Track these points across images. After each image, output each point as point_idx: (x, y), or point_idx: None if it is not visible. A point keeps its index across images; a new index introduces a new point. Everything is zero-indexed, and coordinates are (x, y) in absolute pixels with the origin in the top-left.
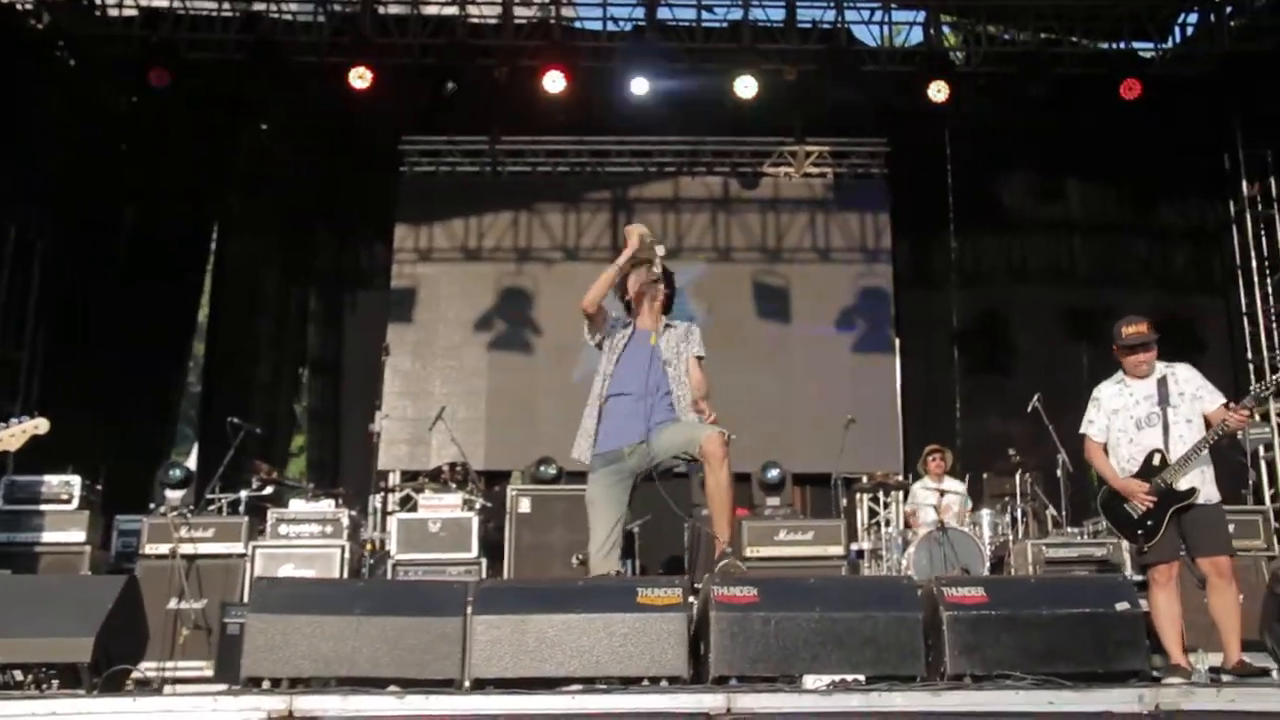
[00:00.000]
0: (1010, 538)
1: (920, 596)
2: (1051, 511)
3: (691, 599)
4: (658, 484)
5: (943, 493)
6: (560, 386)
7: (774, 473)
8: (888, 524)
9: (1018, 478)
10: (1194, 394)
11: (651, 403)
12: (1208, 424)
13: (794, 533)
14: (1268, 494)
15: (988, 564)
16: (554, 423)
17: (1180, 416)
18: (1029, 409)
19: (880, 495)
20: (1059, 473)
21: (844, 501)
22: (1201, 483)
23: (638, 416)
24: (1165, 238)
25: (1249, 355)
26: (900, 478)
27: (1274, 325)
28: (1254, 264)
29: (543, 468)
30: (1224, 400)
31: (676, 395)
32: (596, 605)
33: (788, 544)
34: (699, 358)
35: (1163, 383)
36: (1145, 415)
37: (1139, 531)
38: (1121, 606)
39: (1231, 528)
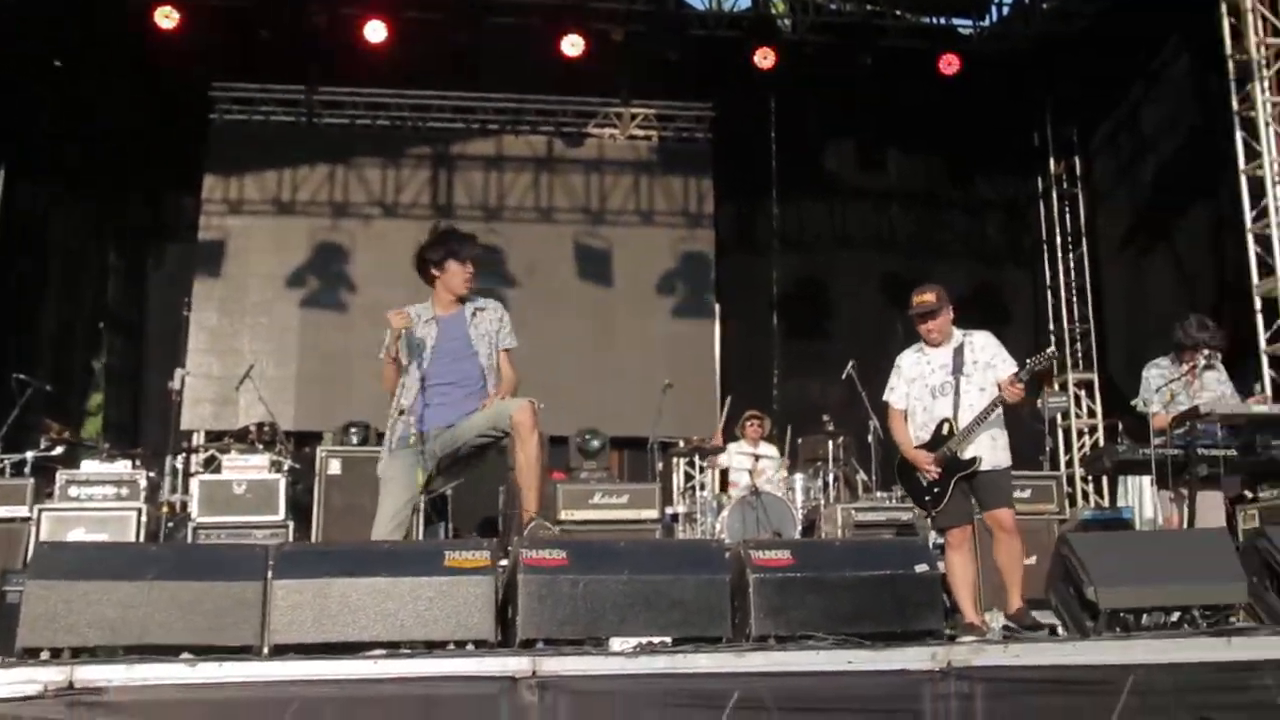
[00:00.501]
0: (822, 502)
1: (728, 559)
2: (862, 476)
3: (503, 563)
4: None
5: (758, 457)
6: (375, 346)
7: (592, 439)
8: (703, 488)
9: (831, 443)
10: (988, 362)
11: (465, 392)
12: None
13: (609, 496)
14: (1063, 460)
15: (799, 527)
16: (368, 384)
17: (973, 385)
18: (844, 376)
19: (696, 459)
20: (870, 439)
21: (660, 465)
22: (991, 449)
23: (448, 406)
24: (979, 210)
25: (1050, 326)
26: (717, 442)
27: (1074, 297)
28: (1058, 239)
29: (352, 432)
30: (1015, 369)
31: (489, 383)
32: (403, 569)
33: (602, 507)
34: (508, 350)
35: (959, 351)
36: (939, 384)
37: (926, 499)
38: (920, 568)
39: (1027, 492)
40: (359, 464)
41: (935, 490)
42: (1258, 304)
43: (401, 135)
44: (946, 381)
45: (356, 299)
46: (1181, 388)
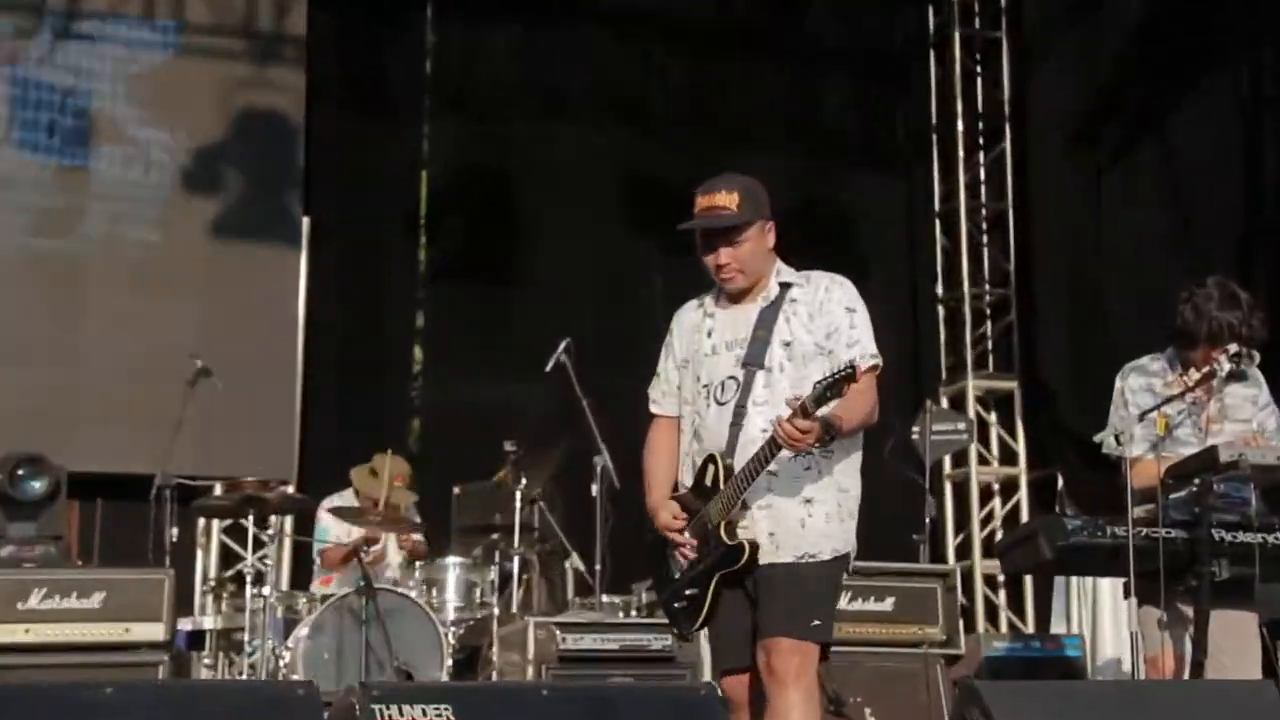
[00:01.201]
0: (495, 611)
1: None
2: (575, 564)
3: None
4: None
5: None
6: None
7: (30, 479)
8: (259, 581)
9: (517, 499)
10: (819, 343)
11: None
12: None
13: (63, 597)
14: (951, 544)
15: (448, 660)
16: None
17: (777, 390)
18: (549, 365)
19: (250, 524)
20: (595, 490)
21: (174, 532)
22: (784, 524)
23: None
24: (820, 64)
25: (939, 289)
26: (293, 490)
27: (982, 236)
28: (958, 127)
29: None
30: (858, 360)
31: None
32: None
33: (48, 618)
34: None
35: (771, 313)
36: (721, 379)
37: (676, 604)
38: None
39: (887, 602)
40: None
41: (689, 592)
42: None
43: None
44: (732, 377)
45: None
46: (1185, 413)
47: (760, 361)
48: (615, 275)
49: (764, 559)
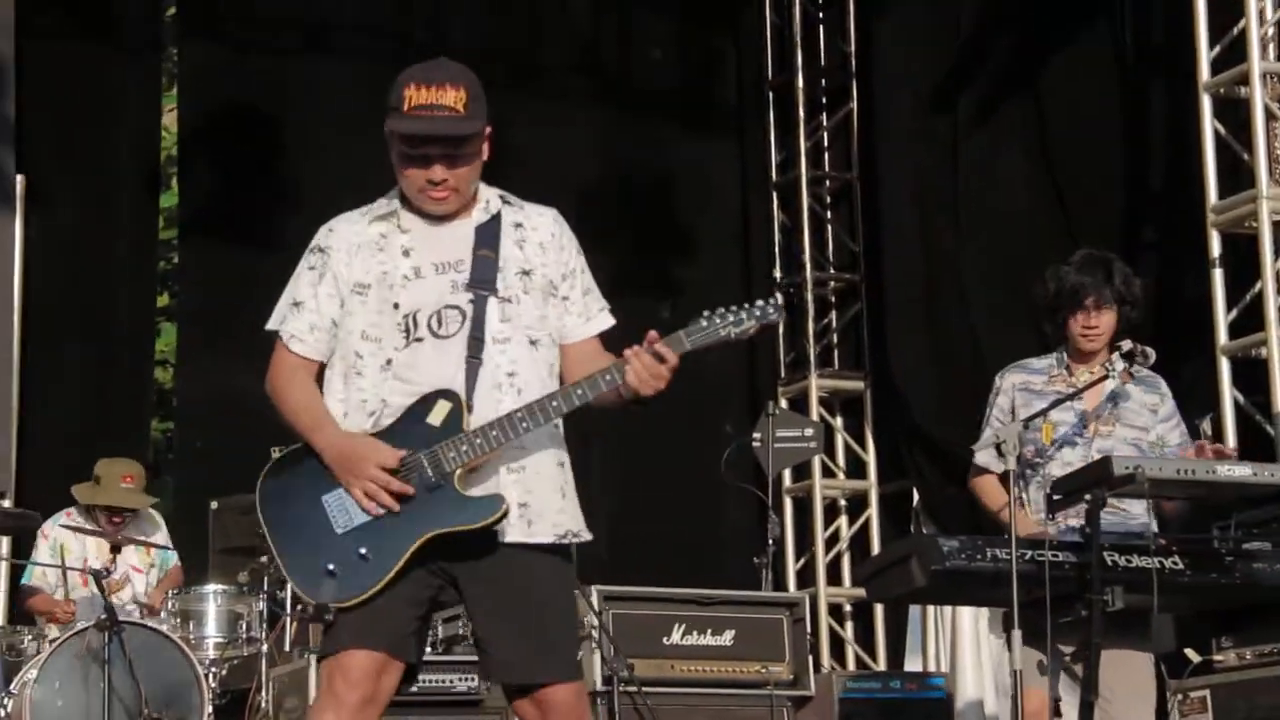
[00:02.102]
0: (265, 647)
1: None
2: None
3: None
4: None
5: (117, 549)
6: None
7: None
8: None
9: None
10: (551, 277)
11: None
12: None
13: None
14: (791, 567)
15: (208, 707)
16: None
17: (515, 323)
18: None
19: None
20: None
21: None
22: (544, 494)
23: None
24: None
25: (777, 273)
26: (8, 504)
27: (826, 211)
28: (798, 83)
29: None
30: (599, 312)
31: None
32: None
33: None
34: None
35: (490, 230)
36: (435, 310)
37: (331, 567)
38: None
39: (726, 635)
40: None
41: (361, 549)
42: (1215, 246)
43: None
44: (452, 305)
45: None
46: (1075, 420)
47: (493, 286)
48: None
49: (512, 535)
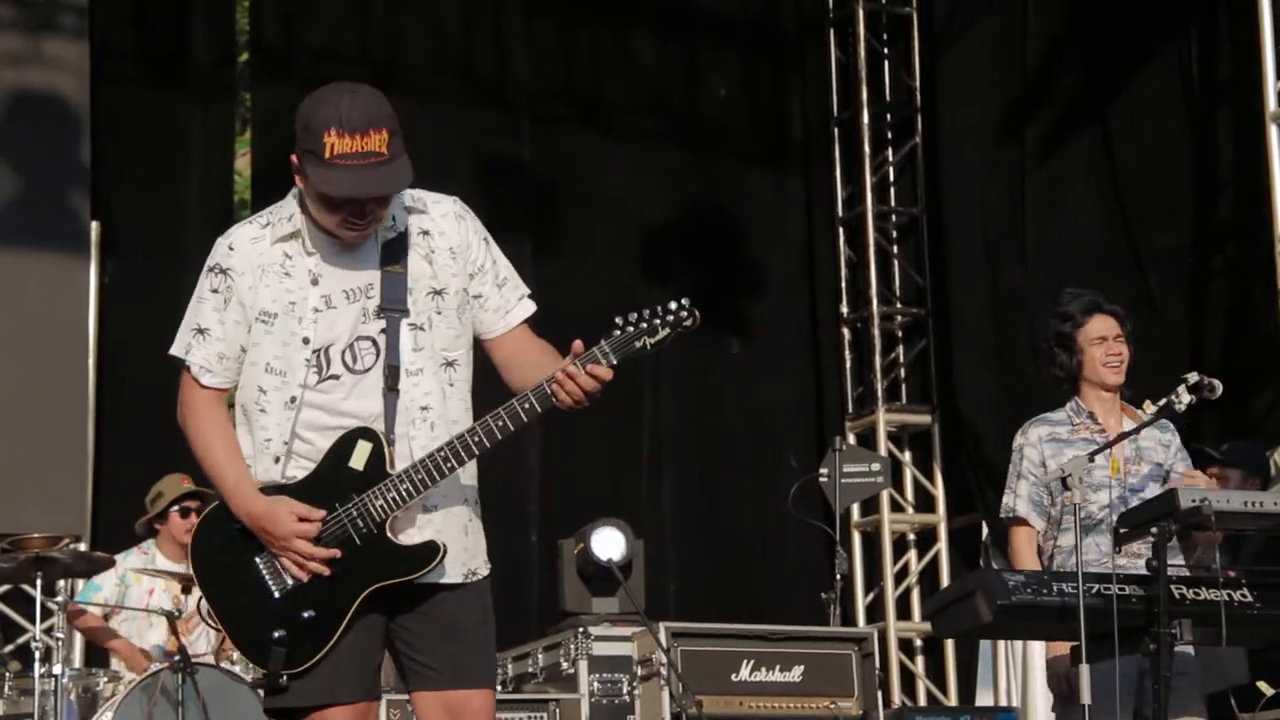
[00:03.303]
0: None
1: None
2: None
3: None
4: None
5: (190, 585)
6: None
7: None
8: (47, 658)
9: None
10: (462, 287)
11: None
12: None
13: None
14: (861, 603)
15: None
16: None
17: (434, 344)
18: None
19: (38, 591)
20: None
21: None
22: (461, 535)
23: None
24: (689, 37)
25: (843, 308)
26: (84, 547)
27: (893, 246)
28: (863, 119)
29: None
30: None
31: None
32: None
33: None
34: None
35: (399, 246)
36: (349, 340)
37: (276, 635)
38: None
39: (796, 671)
40: None
41: (306, 613)
42: None
43: None
44: (365, 337)
45: None
46: (1102, 465)
47: (404, 308)
48: None
49: (450, 575)
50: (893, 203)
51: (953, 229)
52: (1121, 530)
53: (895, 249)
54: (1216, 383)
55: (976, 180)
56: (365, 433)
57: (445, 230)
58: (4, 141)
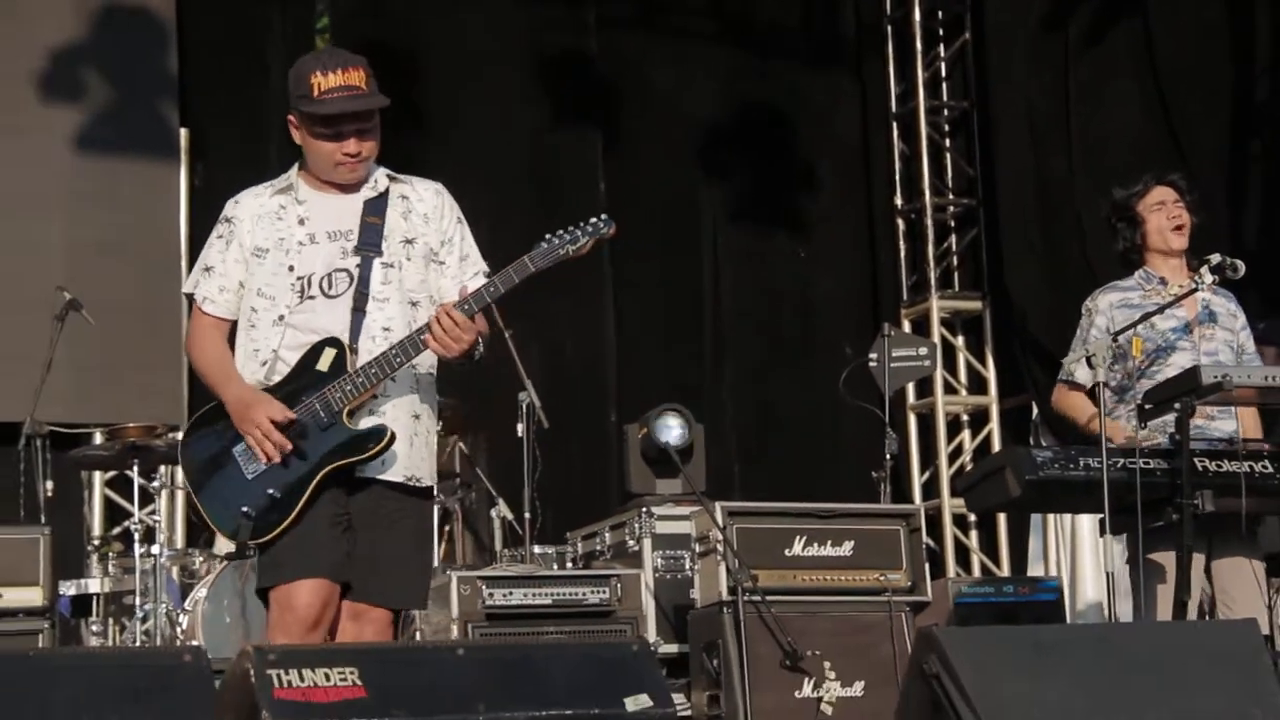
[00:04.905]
0: None
1: (227, 688)
2: (503, 512)
3: None
4: None
5: None
6: None
7: None
8: (150, 540)
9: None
10: (429, 243)
11: None
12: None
13: None
14: (917, 481)
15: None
16: None
17: (396, 279)
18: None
19: (134, 473)
20: (522, 425)
21: (48, 486)
22: (410, 438)
23: None
24: None
25: (898, 199)
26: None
27: (946, 140)
28: (915, 14)
29: None
30: (476, 273)
31: None
32: None
33: None
34: None
35: (380, 205)
36: (327, 269)
37: (245, 509)
38: (636, 704)
39: (846, 546)
40: None
41: (271, 490)
42: None
43: None
44: (341, 269)
45: None
46: (1181, 327)
47: (378, 249)
48: (546, 177)
49: (370, 471)
50: (944, 98)
51: (1001, 122)
52: (1146, 406)
53: (947, 142)
54: (1239, 263)
55: (1023, 75)
56: (332, 341)
57: (424, 198)
58: (95, 51)
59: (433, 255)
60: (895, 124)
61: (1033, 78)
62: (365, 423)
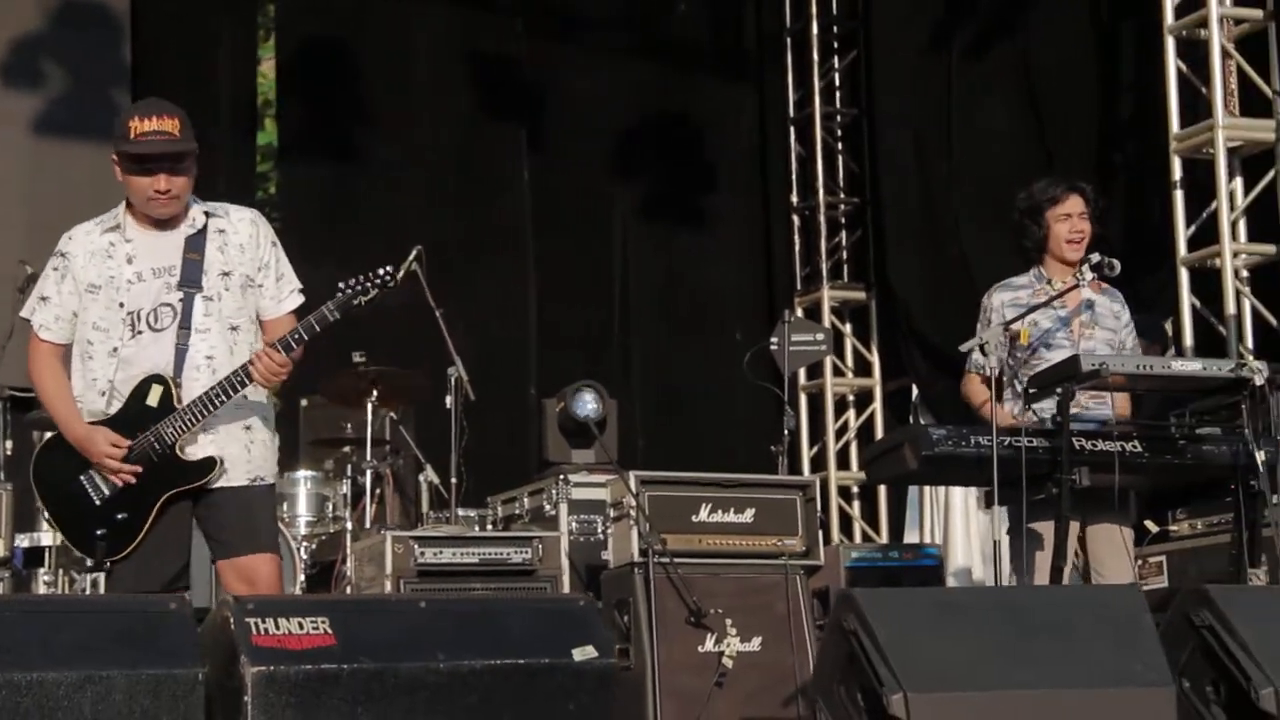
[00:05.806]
0: (348, 525)
1: (208, 634)
2: (430, 477)
3: None
4: None
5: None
6: None
7: None
8: None
9: (369, 410)
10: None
11: None
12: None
13: None
14: (806, 455)
15: (300, 576)
16: None
17: (223, 312)
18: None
19: None
20: (450, 400)
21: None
22: (244, 447)
23: None
24: None
25: (794, 197)
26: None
27: (837, 144)
28: (812, 21)
29: None
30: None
31: None
32: None
33: None
34: None
35: (199, 239)
36: (154, 305)
37: (99, 533)
38: (581, 654)
39: (748, 513)
40: None
41: (120, 515)
42: (1176, 169)
43: None
44: (165, 304)
45: None
46: (1059, 324)
47: (199, 284)
48: (475, 168)
49: (218, 483)
50: (838, 105)
51: (888, 129)
52: (1030, 390)
53: (839, 146)
54: (1115, 262)
55: (909, 86)
56: (157, 378)
57: (239, 230)
58: (55, 43)
59: (249, 281)
60: (792, 128)
61: (918, 89)
62: (197, 452)
